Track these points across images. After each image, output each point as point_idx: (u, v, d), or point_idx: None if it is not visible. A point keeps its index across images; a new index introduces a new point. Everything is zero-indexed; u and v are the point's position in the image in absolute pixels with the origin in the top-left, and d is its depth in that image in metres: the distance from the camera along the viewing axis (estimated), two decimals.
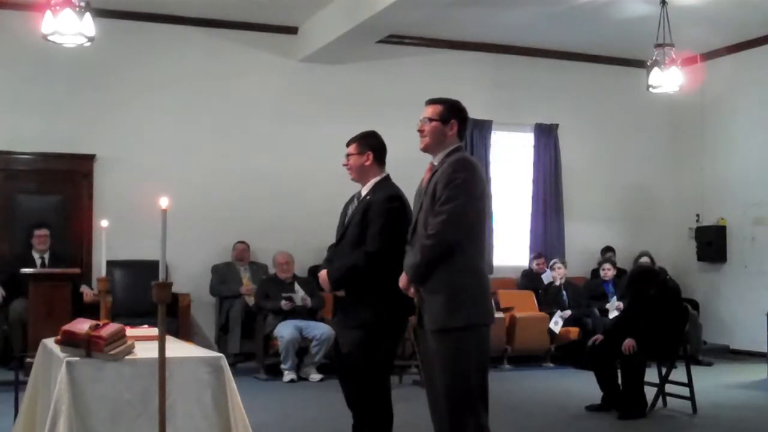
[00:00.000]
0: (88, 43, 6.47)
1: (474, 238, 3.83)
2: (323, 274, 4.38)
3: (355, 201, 4.43)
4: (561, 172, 10.72)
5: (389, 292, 4.20)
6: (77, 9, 6.15)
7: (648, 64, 8.81)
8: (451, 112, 3.99)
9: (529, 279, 10.06)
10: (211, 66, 9.42)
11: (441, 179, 3.80)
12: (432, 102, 4.05)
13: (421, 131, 3.99)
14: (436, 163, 3.95)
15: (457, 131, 3.98)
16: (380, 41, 9.35)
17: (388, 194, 4.29)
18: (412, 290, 3.93)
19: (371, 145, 4.41)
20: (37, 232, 8.27)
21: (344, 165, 4.45)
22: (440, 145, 3.95)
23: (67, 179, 8.99)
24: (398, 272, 4.24)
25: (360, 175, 4.40)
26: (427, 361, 3.99)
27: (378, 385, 4.26)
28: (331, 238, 4.55)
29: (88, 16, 6.21)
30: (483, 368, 3.86)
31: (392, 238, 4.18)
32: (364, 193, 4.39)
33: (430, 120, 3.96)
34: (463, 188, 3.77)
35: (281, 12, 9.22)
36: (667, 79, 8.74)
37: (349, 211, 4.43)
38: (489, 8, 9.05)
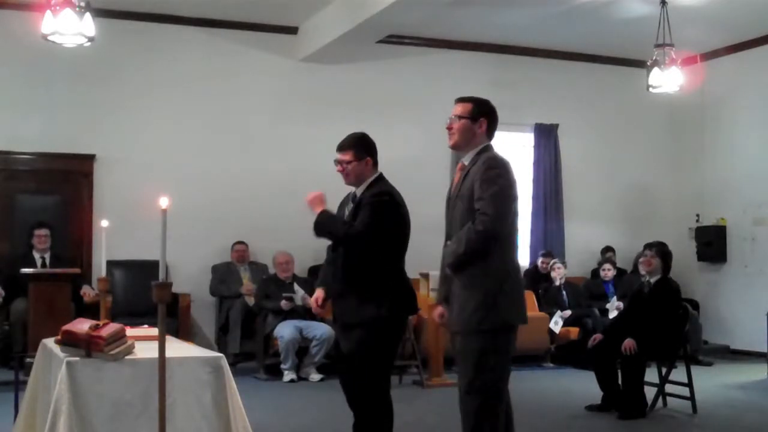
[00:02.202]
0: (88, 43, 6.47)
1: (508, 237, 3.88)
2: (317, 294, 4.49)
3: (350, 202, 4.43)
4: (561, 172, 10.72)
5: (390, 291, 4.23)
6: (77, 9, 6.14)
7: (648, 64, 8.80)
8: (481, 110, 4.01)
9: (531, 279, 10.03)
10: (211, 66, 9.42)
11: (477, 178, 3.82)
12: (461, 100, 4.07)
13: (449, 129, 4.03)
14: (466, 163, 3.96)
15: (486, 129, 4.00)
16: (380, 41, 9.35)
17: (377, 191, 4.29)
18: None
19: (368, 149, 4.37)
20: (37, 232, 8.26)
21: (339, 171, 4.38)
22: (469, 143, 3.98)
23: (67, 179, 8.99)
24: (397, 271, 4.27)
25: (358, 180, 4.37)
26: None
27: (379, 384, 4.26)
28: None
29: (88, 16, 6.21)
30: (507, 371, 3.92)
31: (377, 226, 4.18)
32: (358, 193, 4.38)
33: (459, 118, 3.99)
34: (503, 185, 3.82)
35: (281, 12, 9.22)
36: (667, 79, 8.74)
37: (345, 213, 4.43)
38: (489, 8, 9.05)
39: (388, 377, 4.36)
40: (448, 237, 4.02)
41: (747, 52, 10.31)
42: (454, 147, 4.07)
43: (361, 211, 4.23)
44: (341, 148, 4.39)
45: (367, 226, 4.17)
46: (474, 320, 3.78)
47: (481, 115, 3.99)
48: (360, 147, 4.36)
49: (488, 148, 3.98)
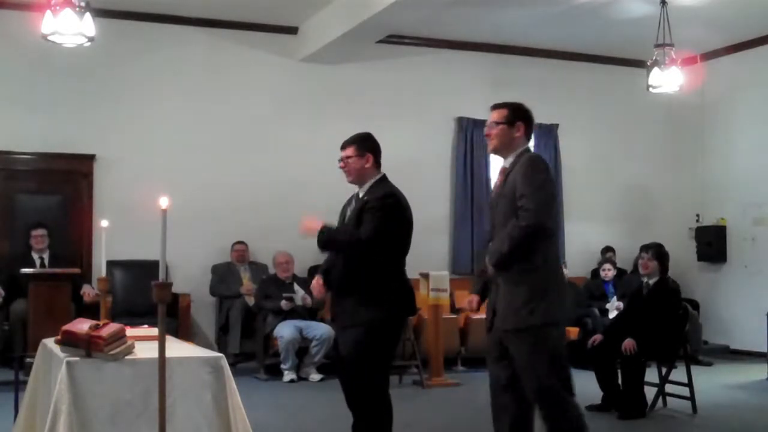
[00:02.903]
0: (88, 43, 6.46)
1: (551, 235, 3.98)
2: (316, 279, 4.44)
3: (353, 202, 4.43)
4: (561, 172, 10.72)
5: (389, 291, 4.23)
6: (77, 9, 6.14)
7: (648, 64, 8.81)
8: (516, 114, 4.12)
9: None
10: (211, 66, 9.42)
11: (519, 177, 3.93)
12: (497, 106, 4.18)
13: (488, 135, 4.14)
14: (507, 166, 4.07)
15: (524, 132, 4.12)
16: (380, 41, 9.35)
17: (383, 192, 4.29)
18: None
19: (370, 147, 4.39)
20: (34, 233, 8.25)
21: (341, 167, 4.42)
22: (508, 147, 4.09)
23: (67, 179, 8.99)
24: (397, 271, 4.28)
25: (359, 177, 4.39)
26: (493, 361, 4.10)
27: (378, 385, 4.26)
28: None
29: (88, 16, 6.20)
30: (563, 361, 3.97)
31: (385, 229, 4.19)
32: (361, 194, 4.38)
33: (497, 123, 4.09)
34: (544, 180, 3.94)
35: (281, 12, 9.22)
36: (667, 79, 8.74)
37: (348, 213, 4.43)
38: (489, 8, 9.05)
39: (387, 377, 4.37)
40: (491, 238, 4.09)
41: (747, 52, 10.32)
42: (493, 152, 4.18)
43: (366, 214, 4.22)
44: (344, 145, 4.42)
45: (374, 230, 4.17)
46: (523, 315, 3.86)
47: (518, 119, 4.10)
48: (362, 144, 4.38)
49: (528, 150, 4.11)
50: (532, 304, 3.85)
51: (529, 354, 3.88)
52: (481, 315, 9.59)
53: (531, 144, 11.64)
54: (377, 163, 4.41)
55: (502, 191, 4.01)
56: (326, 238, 4.28)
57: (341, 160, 4.40)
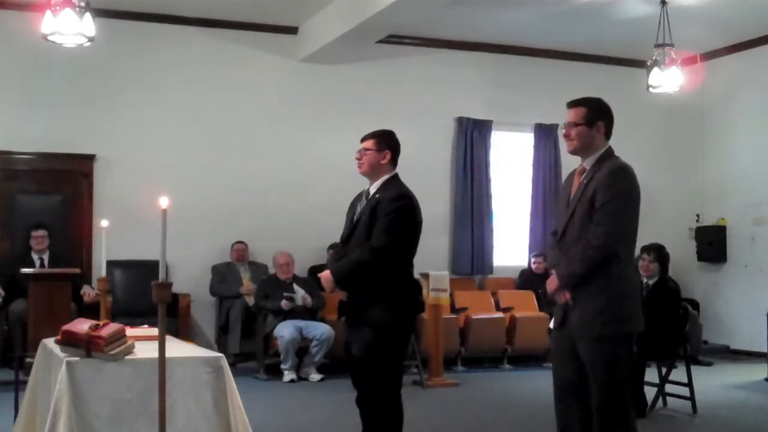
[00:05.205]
0: (88, 43, 6.46)
1: (631, 246, 3.88)
2: (326, 273, 4.30)
3: (363, 199, 4.37)
4: (561, 172, 10.69)
5: (401, 292, 4.20)
6: (77, 9, 6.14)
7: (648, 64, 8.81)
8: (596, 113, 3.93)
9: (527, 279, 10.01)
10: (211, 66, 9.42)
11: (601, 186, 3.78)
12: (574, 104, 3.99)
13: (567, 136, 3.95)
14: (587, 167, 3.91)
15: (605, 132, 3.94)
16: (380, 41, 9.35)
17: (396, 193, 4.24)
18: (564, 295, 3.89)
19: (390, 144, 4.36)
20: (34, 233, 8.24)
21: (357, 158, 4.36)
22: (589, 149, 3.91)
23: (67, 179, 8.98)
24: (409, 271, 4.26)
25: (372, 172, 4.33)
26: (562, 362, 3.97)
27: (390, 386, 4.23)
28: (332, 238, 4.56)
29: (88, 16, 6.21)
30: (631, 375, 3.91)
31: (399, 235, 4.17)
32: (372, 191, 4.33)
33: (576, 125, 3.91)
34: (626, 198, 3.80)
35: (281, 12, 9.22)
36: (667, 79, 8.75)
37: (357, 210, 4.37)
38: (489, 8, 9.05)
39: (399, 379, 4.31)
40: (560, 235, 3.95)
41: (747, 52, 10.32)
42: (573, 153, 3.99)
43: (380, 219, 4.16)
44: (365, 137, 4.39)
45: (386, 237, 4.13)
46: (600, 323, 3.74)
47: (598, 118, 3.91)
48: (382, 139, 4.35)
49: (610, 152, 3.93)
50: (609, 312, 3.73)
51: (603, 362, 3.75)
52: (482, 315, 9.60)
53: (531, 144, 11.59)
54: (394, 161, 4.37)
55: (583, 195, 3.83)
56: (338, 276, 4.21)
57: (359, 151, 4.35)
